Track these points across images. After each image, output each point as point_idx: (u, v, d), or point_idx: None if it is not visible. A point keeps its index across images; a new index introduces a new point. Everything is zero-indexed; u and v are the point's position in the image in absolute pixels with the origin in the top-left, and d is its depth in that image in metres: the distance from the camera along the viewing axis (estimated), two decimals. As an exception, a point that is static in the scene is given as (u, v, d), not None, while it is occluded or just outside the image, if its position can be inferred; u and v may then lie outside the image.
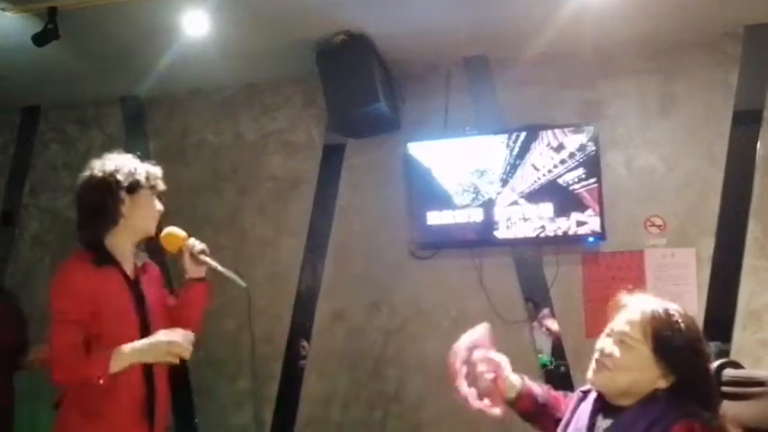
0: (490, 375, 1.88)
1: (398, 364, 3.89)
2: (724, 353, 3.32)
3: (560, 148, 3.57)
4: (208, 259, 2.32)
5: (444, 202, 3.75)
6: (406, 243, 3.86)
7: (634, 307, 1.65)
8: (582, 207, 3.52)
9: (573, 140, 3.56)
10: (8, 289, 3.06)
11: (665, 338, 1.58)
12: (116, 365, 2.08)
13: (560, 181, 3.56)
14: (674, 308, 1.63)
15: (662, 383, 1.59)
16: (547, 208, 3.58)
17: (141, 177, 2.29)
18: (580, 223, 3.53)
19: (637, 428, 1.57)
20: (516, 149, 3.64)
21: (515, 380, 1.88)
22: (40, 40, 3.13)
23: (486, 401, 1.85)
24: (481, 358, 1.90)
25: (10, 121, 4.63)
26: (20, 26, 3.21)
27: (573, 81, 3.74)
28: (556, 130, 3.59)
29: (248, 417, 4.01)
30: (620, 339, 1.63)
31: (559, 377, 3.58)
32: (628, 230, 3.59)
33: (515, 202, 3.64)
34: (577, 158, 3.55)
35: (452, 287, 3.83)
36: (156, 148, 4.34)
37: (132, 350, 2.11)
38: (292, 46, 3.61)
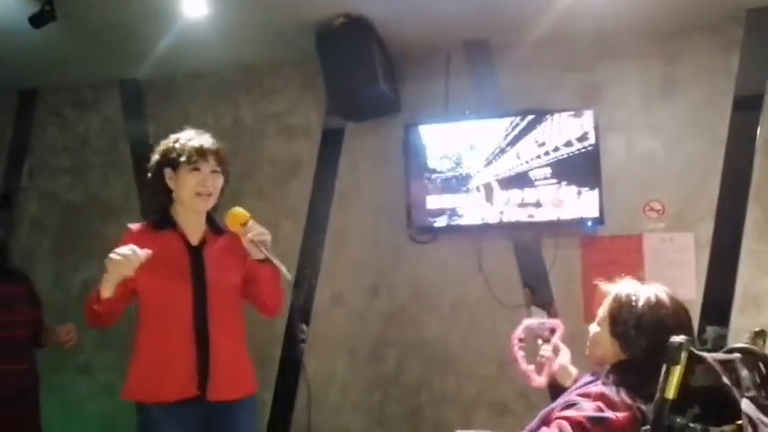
0: (548, 353, 2.18)
1: (397, 347, 3.91)
2: (721, 337, 3.34)
3: (560, 131, 3.57)
4: (260, 245, 2.34)
5: (444, 185, 3.75)
6: (405, 227, 3.86)
7: (611, 291, 1.87)
8: (581, 191, 3.52)
9: (573, 124, 3.55)
10: (23, 272, 3.10)
11: (618, 319, 1.79)
12: (103, 291, 2.20)
13: (559, 165, 3.56)
14: (643, 291, 1.80)
15: (614, 358, 1.79)
16: (546, 192, 3.57)
17: (181, 154, 2.35)
18: (579, 207, 3.53)
19: (572, 390, 1.83)
20: (515, 133, 3.63)
21: (573, 370, 2.13)
22: (37, 21, 3.11)
23: (532, 368, 2.19)
24: (553, 342, 2.22)
25: (8, 104, 4.61)
26: (17, 7, 3.19)
27: (574, 65, 3.72)
28: (556, 114, 3.58)
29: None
30: (598, 319, 1.88)
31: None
32: (626, 215, 3.59)
33: (514, 186, 3.63)
34: (577, 142, 3.54)
35: (451, 271, 3.83)
36: (154, 131, 4.33)
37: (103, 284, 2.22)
38: (291, 28, 3.59)
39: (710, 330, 3.37)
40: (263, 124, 4.23)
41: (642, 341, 1.73)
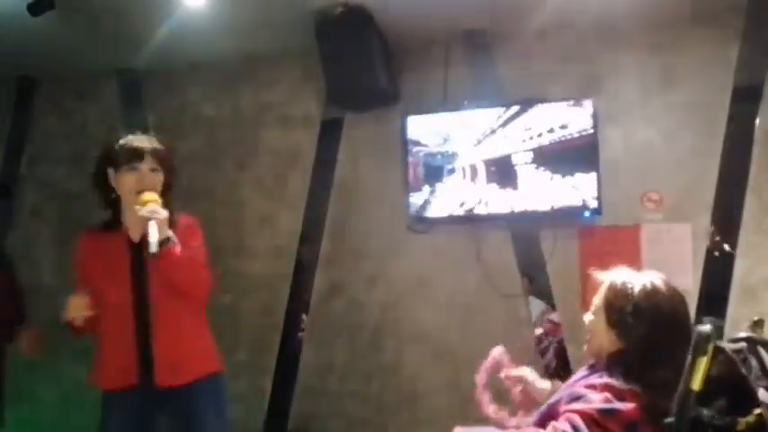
0: (518, 389, 2.10)
1: (396, 336, 3.93)
2: (718, 329, 3.34)
3: (558, 121, 3.57)
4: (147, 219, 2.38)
5: (442, 175, 3.76)
6: (403, 217, 3.87)
7: (606, 279, 1.85)
8: (579, 181, 3.53)
9: (571, 114, 3.55)
10: (8, 258, 3.07)
11: (614, 307, 1.78)
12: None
13: (557, 155, 3.56)
14: (639, 279, 1.78)
15: (611, 348, 1.77)
16: (544, 182, 3.58)
17: (119, 155, 2.51)
18: (577, 197, 3.54)
19: (573, 382, 1.80)
20: (513, 123, 3.64)
21: (545, 385, 2.08)
22: (35, 9, 3.10)
23: (520, 413, 2.07)
24: (505, 377, 2.13)
25: (7, 93, 4.59)
26: (15, -5, 3.18)
27: (573, 55, 3.72)
28: (554, 104, 3.58)
29: (245, 386, 4.06)
30: (593, 309, 1.86)
31: (555, 350, 3.63)
32: (624, 205, 3.60)
33: (513, 176, 3.64)
34: (575, 133, 3.55)
35: (449, 261, 3.85)
36: (153, 121, 4.32)
37: None
38: (291, 18, 3.58)
39: (707, 321, 3.38)
40: (262, 114, 4.22)
41: (640, 328, 1.72)
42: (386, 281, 3.97)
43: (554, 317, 3.68)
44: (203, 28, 3.61)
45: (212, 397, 2.55)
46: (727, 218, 3.47)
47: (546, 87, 3.70)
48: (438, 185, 3.77)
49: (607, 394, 1.65)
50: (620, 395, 1.64)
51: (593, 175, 3.51)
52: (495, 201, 3.66)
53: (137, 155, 2.49)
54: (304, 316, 4.06)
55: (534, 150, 3.60)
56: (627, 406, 1.62)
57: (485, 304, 3.77)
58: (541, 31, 3.66)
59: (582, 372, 1.87)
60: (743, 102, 3.49)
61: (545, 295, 3.71)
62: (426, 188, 3.77)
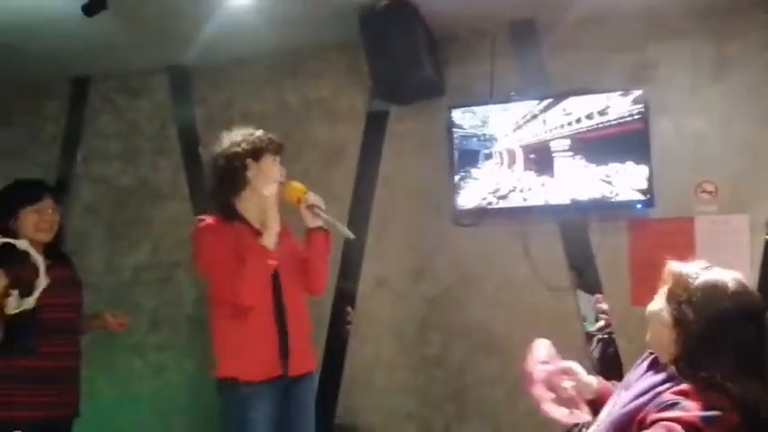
0: (570, 384, 1.96)
1: (442, 330, 3.91)
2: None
3: (608, 112, 3.50)
4: (320, 212, 2.69)
5: (488, 168, 3.72)
6: (449, 210, 3.85)
7: (676, 270, 1.72)
8: (630, 173, 3.45)
9: (621, 105, 3.48)
10: (68, 255, 3.16)
11: (678, 305, 1.66)
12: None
13: (608, 146, 3.49)
14: (708, 277, 1.66)
15: (673, 348, 1.66)
16: (594, 174, 3.51)
17: (264, 143, 2.60)
18: (627, 189, 3.46)
19: (635, 385, 1.71)
20: (564, 114, 3.58)
21: (591, 381, 1.97)
22: (89, 10, 3.18)
23: (575, 412, 1.93)
24: (555, 372, 1.99)
25: (62, 92, 4.73)
26: (70, -3, 3.27)
27: (622, 44, 3.64)
28: (604, 95, 3.51)
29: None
30: (657, 299, 1.74)
31: (604, 344, 3.56)
32: (677, 197, 3.51)
33: (562, 168, 3.58)
34: (626, 123, 3.47)
35: (496, 254, 3.81)
36: (202, 116, 4.40)
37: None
38: (335, 12, 3.59)
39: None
40: (307, 109, 4.25)
41: (703, 331, 1.61)
42: (432, 274, 3.95)
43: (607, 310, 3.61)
44: (249, 23, 3.65)
45: (313, 384, 2.81)
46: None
47: (594, 77, 3.63)
48: (473, 171, 3.73)
49: (703, 401, 1.55)
50: (717, 402, 1.55)
51: (645, 166, 3.43)
52: (542, 192, 3.61)
53: (281, 147, 2.65)
54: (350, 309, 4.08)
55: (579, 139, 3.54)
56: (727, 413, 1.53)
57: (532, 298, 3.73)
58: (589, 20, 3.58)
59: (641, 369, 1.79)
60: (801, 88, 3.36)
61: (594, 289, 3.65)
62: (473, 181, 3.74)
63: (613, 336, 3.57)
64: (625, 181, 3.46)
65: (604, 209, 3.55)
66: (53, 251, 2.89)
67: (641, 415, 1.61)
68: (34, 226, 2.80)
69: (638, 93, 3.46)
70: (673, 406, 1.56)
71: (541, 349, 2.06)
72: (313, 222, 2.71)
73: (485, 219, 3.80)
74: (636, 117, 3.45)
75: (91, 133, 4.70)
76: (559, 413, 1.92)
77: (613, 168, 3.48)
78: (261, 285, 2.51)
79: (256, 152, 2.57)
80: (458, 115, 3.78)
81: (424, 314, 3.96)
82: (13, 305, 2.51)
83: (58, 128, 4.74)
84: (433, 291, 3.95)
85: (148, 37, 3.94)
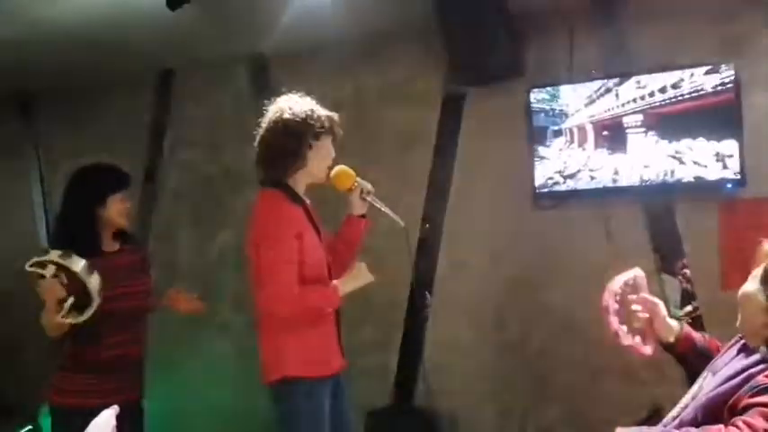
0: (644, 315, 1.96)
1: (521, 314, 3.87)
2: None
3: (697, 89, 3.34)
4: (373, 198, 2.60)
5: (569, 149, 3.63)
6: (528, 193, 3.79)
7: None
8: (719, 151, 3.30)
9: (711, 80, 3.31)
10: (138, 240, 3.20)
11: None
12: (342, 295, 2.43)
13: (697, 123, 3.34)
14: None
15: (765, 332, 1.60)
16: (681, 153, 3.38)
17: (326, 124, 2.45)
18: (717, 168, 3.31)
19: (727, 368, 1.64)
20: (648, 91, 3.45)
21: (674, 324, 1.96)
22: (172, 3, 3.29)
23: (638, 339, 1.96)
24: (637, 299, 1.99)
25: (149, 83, 4.92)
26: (155, -8, 3.38)
27: (711, 15, 3.46)
28: (692, 69, 3.36)
29: (372, 363, 4.15)
30: (750, 280, 1.68)
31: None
32: (772, 176, 3.33)
33: (646, 147, 3.46)
34: (716, 99, 3.31)
35: (577, 237, 3.73)
36: (280, 104, 4.47)
37: (345, 285, 2.45)
38: (410, -5, 3.58)
39: None
40: (383, 94, 4.26)
41: None
42: (511, 258, 3.91)
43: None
44: (325, 10, 3.68)
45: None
46: None
47: (681, 51, 3.47)
48: (565, 161, 3.65)
49: None
50: None
51: (736, 143, 3.27)
52: (628, 174, 3.50)
53: (338, 123, 2.50)
54: (428, 293, 4.09)
55: (671, 119, 3.40)
56: None
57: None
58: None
59: (731, 354, 1.73)
60: None
61: (680, 273, 3.52)
62: (552, 163, 3.67)
63: (702, 321, 3.44)
64: (714, 160, 3.31)
65: (692, 189, 3.41)
66: (125, 236, 2.94)
67: (733, 399, 1.55)
68: (119, 213, 2.83)
69: (728, 66, 3.29)
70: (765, 390, 1.50)
71: (633, 276, 2.05)
72: (360, 209, 2.61)
73: (566, 201, 3.72)
74: (726, 91, 3.28)
75: (176, 123, 4.87)
76: (620, 329, 1.96)
77: (701, 146, 3.34)
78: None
79: (317, 132, 2.42)
80: (534, 95, 3.71)
81: (502, 298, 3.92)
82: (65, 314, 2.51)
83: (146, 119, 4.94)
84: (512, 274, 3.90)
85: (228, 28, 4.04)
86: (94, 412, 2.43)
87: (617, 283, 2.03)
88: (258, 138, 2.52)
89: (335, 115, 2.51)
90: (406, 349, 4.13)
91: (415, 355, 4.11)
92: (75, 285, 2.52)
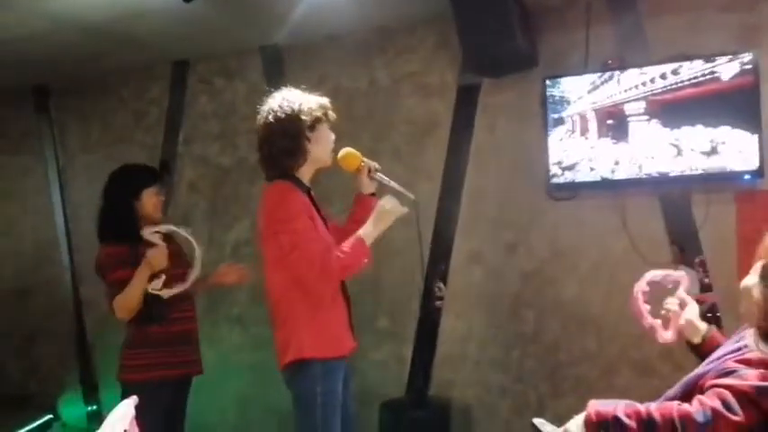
0: (674, 307, 2.07)
1: (536, 305, 3.86)
2: None
3: (714, 78, 3.31)
4: (381, 176, 2.66)
5: (584, 140, 3.61)
6: (543, 184, 3.77)
7: None
8: (737, 142, 3.26)
9: (728, 69, 3.28)
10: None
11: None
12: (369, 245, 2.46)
13: (713, 113, 3.31)
14: None
15: (763, 323, 1.62)
16: (697, 143, 3.35)
17: (320, 113, 2.52)
18: (735, 159, 3.28)
19: (721, 356, 1.68)
20: (665, 80, 3.41)
21: (702, 326, 2.02)
22: (188, -4, 3.30)
23: (659, 322, 2.07)
24: (678, 295, 2.09)
25: (163, 75, 4.93)
26: (169, -16, 3.39)
27: (729, 4, 3.42)
28: (709, 59, 3.32)
29: (387, 353, 4.16)
30: (752, 272, 1.73)
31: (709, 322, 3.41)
32: (791, 167, 3.29)
33: (661, 140, 3.43)
34: (733, 89, 3.27)
35: (592, 229, 3.71)
36: (295, 95, 4.47)
37: (370, 230, 2.46)
38: (424, -15, 3.56)
39: None
40: (397, 84, 4.25)
41: None
42: (526, 249, 3.89)
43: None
44: (339, 0, 3.67)
45: None
46: None
47: (699, 41, 3.44)
48: (580, 152, 3.62)
49: (763, 370, 1.53)
50: None
51: (755, 134, 3.23)
52: (644, 165, 3.47)
53: (330, 108, 2.58)
54: (442, 284, 4.08)
55: (687, 110, 3.36)
56: None
57: (630, 274, 3.58)
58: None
59: (731, 343, 1.76)
60: None
61: (698, 265, 3.49)
62: (567, 154, 3.64)
63: (718, 314, 3.42)
64: (732, 150, 3.28)
65: (709, 180, 3.38)
66: None
67: (702, 380, 1.63)
68: (153, 206, 3.11)
69: (747, 55, 3.25)
70: (730, 373, 1.56)
71: (678, 276, 2.15)
72: (369, 188, 2.69)
73: (581, 192, 3.70)
74: (744, 82, 3.25)
75: (191, 115, 4.89)
76: (644, 308, 2.10)
77: (719, 137, 3.30)
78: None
79: (314, 123, 2.49)
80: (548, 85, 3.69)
81: (517, 289, 3.92)
82: (157, 287, 2.86)
83: (161, 111, 4.96)
84: (526, 266, 3.89)
85: (242, 19, 4.04)
86: (163, 384, 2.87)
87: (659, 275, 2.17)
88: (257, 143, 2.56)
89: (326, 100, 2.58)
90: (420, 341, 4.13)
91: (430, 347, 4.11)
92: (175, 261, 2.98)
